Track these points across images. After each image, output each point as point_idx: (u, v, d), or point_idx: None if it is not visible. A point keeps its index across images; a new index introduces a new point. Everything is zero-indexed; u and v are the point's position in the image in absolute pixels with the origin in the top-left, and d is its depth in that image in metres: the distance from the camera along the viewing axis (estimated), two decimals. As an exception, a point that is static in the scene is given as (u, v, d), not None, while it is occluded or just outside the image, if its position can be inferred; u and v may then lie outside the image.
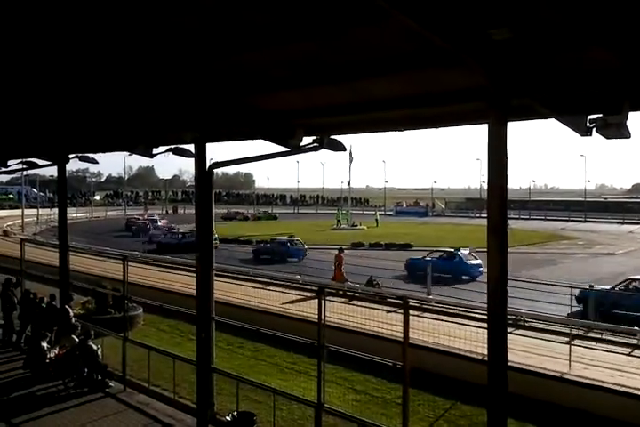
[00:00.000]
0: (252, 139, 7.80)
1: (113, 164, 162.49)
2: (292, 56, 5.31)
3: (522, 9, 3.77)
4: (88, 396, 9.77)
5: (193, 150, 8.35)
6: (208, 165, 8.23)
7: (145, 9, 4.56)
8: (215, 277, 8.75)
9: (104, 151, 11.47)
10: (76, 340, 10.57)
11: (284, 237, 34.13)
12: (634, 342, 12.72)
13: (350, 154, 61.59)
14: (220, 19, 4.59)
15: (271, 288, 18.11)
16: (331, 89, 6.00)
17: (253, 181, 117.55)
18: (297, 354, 12.08)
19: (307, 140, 7.07)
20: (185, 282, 16.65)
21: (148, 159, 9.46)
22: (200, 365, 8.55)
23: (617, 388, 10.00)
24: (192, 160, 8.40)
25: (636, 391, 9.81)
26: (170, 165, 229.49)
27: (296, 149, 7.17)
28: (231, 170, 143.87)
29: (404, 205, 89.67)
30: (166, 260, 25.78)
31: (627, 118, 4.44)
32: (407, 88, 5.52)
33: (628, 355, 12.02)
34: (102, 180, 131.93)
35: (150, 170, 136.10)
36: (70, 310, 11.70)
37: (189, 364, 9.29)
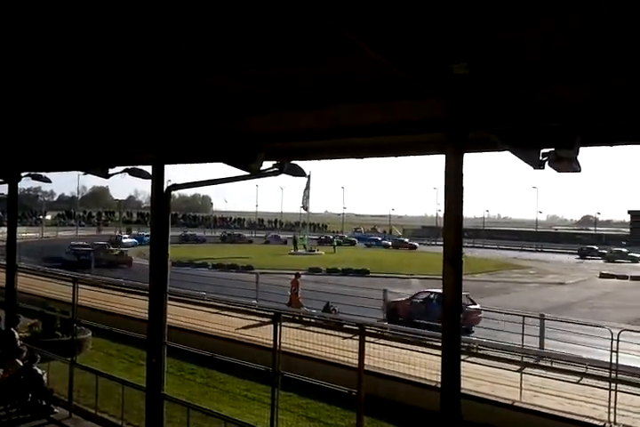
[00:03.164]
0: (212, 162, 7.77)
1: (66, 183, 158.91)
2: (260, 81, 5.35)
3: (481, 45, 3.92)
4: (32, 422, 9.34)
5: (150, 171, 8.24)
6: (166, 186, 8.13)
7: (109, 28, 4.53)
8: (168, 302, 8.57)
9: (58, 170, 11.22)
10: (21, 364, 10.13)
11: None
12: (582, 370, 13.00)
13: (308, 179, 61.85)
14: (189, 41, 4.60)
15: (226, 313, 17.84)
16: (294, 115, 6.05)
17: (211, 203, 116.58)
18: (250, 381, 11.85)
19: (267, 164, 7.09)
20: (137, 306, 16.24)
21: (102, 179, 9.30)
22: (150, 391, 8.29)
23: (565, 415, 10.17)
24: (149, 181, 8.28)
25: (584, 419, 10.00)
26: (125, 185, 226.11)
27: (256, 174, 7.17)
28: (189, 192, 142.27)
29: (363, 231, 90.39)
30: (119, 283, 25.14)
31: (577, 153, 4.62)
32: (371, 116, 5.63)
33: (577, 383, 12.26)
34: (55, 199, 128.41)
35: (105, 190, 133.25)
36: (16, 333, 11.24)
37: (139, 390, 9.00)
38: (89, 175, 9.71)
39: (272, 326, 7.02)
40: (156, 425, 8.17)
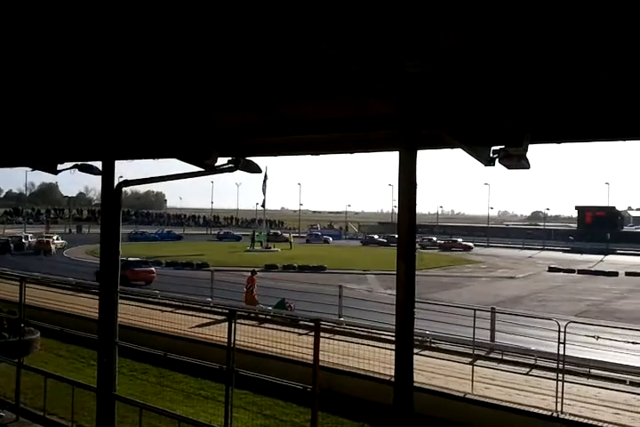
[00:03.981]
0: (165, 158, 7.64)
1: (13, 179, 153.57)
2: (213, 79, 5.28)
3: (435, 43, 3.96)
4: (-25, 427, 9.04)
5: (101, 167, 8.04)
6: (116, 183, 7.94)
7: (52, 18, 4.38)
8: (120, 300, 8.40)
9: (3, 166, 10.82)
10: (-37, 367, 9.78)
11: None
12: (531, 361, 13.40)
13: (265, 176, 61.60)
14: (139, 34, 4.49)
15: (180, 311, 17.62)
16: (249, 111, 6.00)
17: (165, 200, 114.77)
18: (205, 379, 11.75)
19: (222, 160, 7.01)
20: (89, 305, 15.87)
21: (51, 175, 9.02)
22: (101, 392, 8.10)
23: (514, 406, 10.47)
24: (100, 177, 8.08)
25: (532, 409, 10.31)
26: (76, 181, 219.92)
27: (211, 170, 7.08)
28: (142, 188, 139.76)
29: (319, 228, 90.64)
30: (69, 282, 24.50)
31: (527, 150, 4.73)
32: (327, 113, 5.63)
33: (526, 374, 12.63)
34: (1, 196, 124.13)
35: (54, 186, 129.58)
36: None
37: (90, 391, 8.80)
38: (37, 171, 9.41)
39: (227, 323, 6.97)
40: (107, 426, 8.00)
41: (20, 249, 48.81)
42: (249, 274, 21.27)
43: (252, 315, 17.82)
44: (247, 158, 7.02)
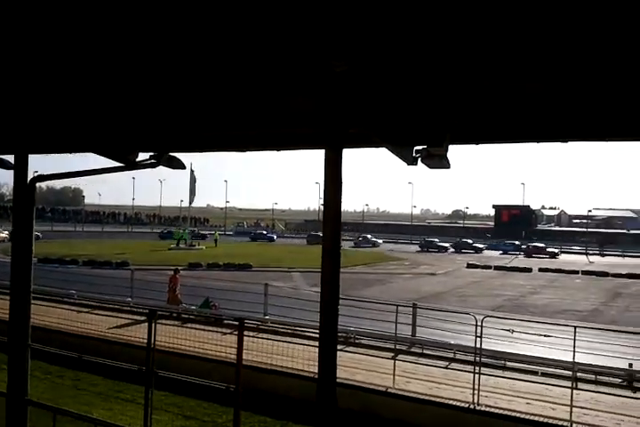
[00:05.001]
0: (83, 152, 7.31)
1: None
2: (137, 71, 5.10)
3: (362, 43, 4.00)
4: None
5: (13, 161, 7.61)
6: (30, 178, 7.54)
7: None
8: (34, 301, 7.98)
9: None
10: None
11: None
12: (450, 355, 13.86)
13: (192, 172, 60.45)
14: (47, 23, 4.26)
15: (98, 312, 17.00)
16: (173, 106, 5.85)
17: (83, 196, 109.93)
18: (124, 382, 11.39)
19: (144, 155, 6.80)
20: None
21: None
22: (11, 397, 7.66)
23: (433, 399, 10.80)
24: (12, 172, 7.64)
25: (450, 402, 10.67)
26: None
27: (132, 165, 6.84)
28: (58, 184, 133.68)
29: (245, 226, 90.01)
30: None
31: (447, 150, 4.88)
32: (252, 109, 5.57)
33: (445, 368, 13.06)
34: None
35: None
36: None
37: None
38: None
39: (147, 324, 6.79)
40: (18, 434, 7.59)
41: None
42: (171, 273, 20.81)
43: (175, 315, 17.46)
44: (171, 154, 6.85)
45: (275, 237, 73.77)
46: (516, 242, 65.36)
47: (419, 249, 63.40)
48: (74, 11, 3.53)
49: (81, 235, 65.77)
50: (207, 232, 69.75)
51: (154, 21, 3.72)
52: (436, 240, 66.25)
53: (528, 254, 58.78)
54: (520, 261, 51.42)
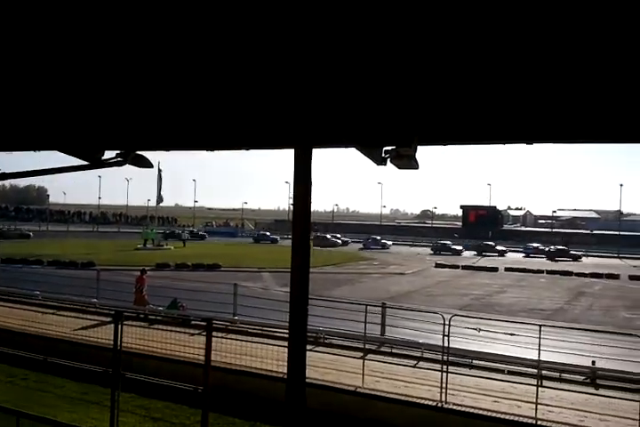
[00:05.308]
0: (47, 150, 7.15)
1: None
2: (104, 67, 5.01)
3: (327, 43, 3.99)
4: None
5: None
6: (-9, 176, 7.34)
7: None
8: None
9: None
10: None
11: None
12: (419, 354, 13.99)
13: (160, 171, 59.68)
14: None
15: (63, 313, 16.68)
16: (140, 103, 5.77)
17: (47, 195, 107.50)
18: (90, 384, 11.20)
19: (110, 154, 6.69)
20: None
21: None
22: (-29, 402, 7.49)
23: (402, 398, 10.88)
24: (-27, 170, 7.43)
25: (419, 400, 10.77)
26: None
27: (98, 164, 6.71)
28: (22, 182, 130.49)
29: (214, 225, 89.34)
30: None
31: (416, 151, 4.92)
32: (222, 108, 5.53)
33: (414, 366, 13.18)
34: None
35: None
36: None
37: (-42, 402, 8.11)
38: None
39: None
40: (-22, 439, 7.41)
41: None
42: (138, 273, 20.52)
43: (142, 316, 17.23)
44: (138, 153, 6.75)
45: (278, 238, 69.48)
46: (538, 245, 62.19)
47: (431, 252, 60.73)
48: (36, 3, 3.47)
49: (45, 234, 64.40)
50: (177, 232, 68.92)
51: (116, 16, 3.67)
52: (449, 243, 63.76)
53: (551, 257, 56.49)
54: (487, 261, 52.13)
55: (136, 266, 28.87)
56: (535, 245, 62.52)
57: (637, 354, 11.31)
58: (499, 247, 62.12)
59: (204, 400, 6.22)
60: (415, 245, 68.78)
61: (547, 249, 59.62)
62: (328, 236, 66.04)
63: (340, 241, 67.17)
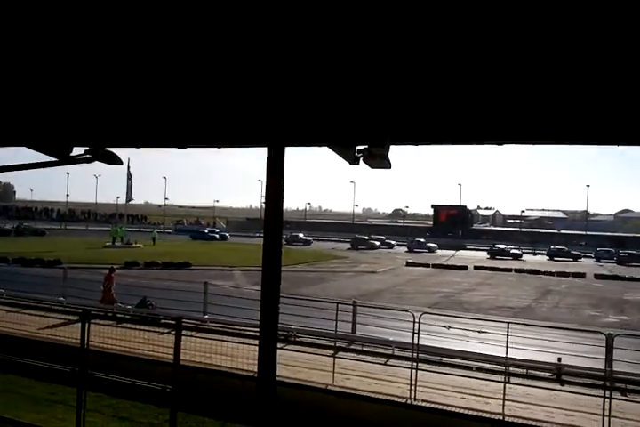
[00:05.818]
0: (13, 146, 6.99)
1: None
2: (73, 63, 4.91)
3: (296, 45, 3.99)
4: None
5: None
6: (-44, 171, 7.16)
7: None
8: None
9: None
10: None
11: None
12: (389, 351, 14.09)
13: (129, 168, 58.88)
14: None
15: (29, 312, 16.35)
16: (110, 99, 5.67)
17: (14, 192, 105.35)
18: (57, 384, 10.99)
19: (79, 150, 6.57)
20: None
21: None
22: None
23: (372, 395, 10.95)
24: None
25: (388, 397, 10.85)
26: None
27: (66, 160, 6.59)
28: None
29: (185, 223, 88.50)
30: None
31: (388, 151, 4.95)
32: (193, 105, 5.47)
33: (384, 364, 13.27)
34: None
35: None
36: None
37: None
38: None
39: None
40: (-61, 441, 7.22)
41: None
42: (107, 271, 20.22)
43: (110, 314, 17.00)
44: (107, 149, 6.66)
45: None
46: (610, 249, 59.28)
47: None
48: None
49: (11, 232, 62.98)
50: (147, 230, 68.06)
51: (84, 12, 3.61)
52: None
53: (621, 262, 54.06)
54: (457, 259, 52.71)
55: (105, 264, 28.45)
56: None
57: (601, 351, 11.56)
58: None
59: (173, 399, 6.17)
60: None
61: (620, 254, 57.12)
62: (375, 242, 65.27)
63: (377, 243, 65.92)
